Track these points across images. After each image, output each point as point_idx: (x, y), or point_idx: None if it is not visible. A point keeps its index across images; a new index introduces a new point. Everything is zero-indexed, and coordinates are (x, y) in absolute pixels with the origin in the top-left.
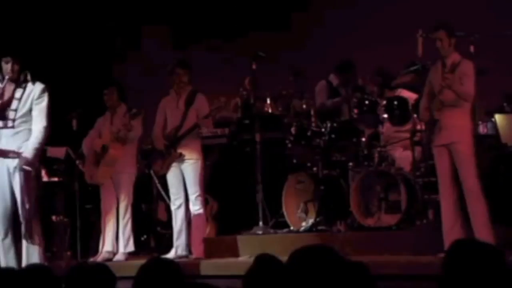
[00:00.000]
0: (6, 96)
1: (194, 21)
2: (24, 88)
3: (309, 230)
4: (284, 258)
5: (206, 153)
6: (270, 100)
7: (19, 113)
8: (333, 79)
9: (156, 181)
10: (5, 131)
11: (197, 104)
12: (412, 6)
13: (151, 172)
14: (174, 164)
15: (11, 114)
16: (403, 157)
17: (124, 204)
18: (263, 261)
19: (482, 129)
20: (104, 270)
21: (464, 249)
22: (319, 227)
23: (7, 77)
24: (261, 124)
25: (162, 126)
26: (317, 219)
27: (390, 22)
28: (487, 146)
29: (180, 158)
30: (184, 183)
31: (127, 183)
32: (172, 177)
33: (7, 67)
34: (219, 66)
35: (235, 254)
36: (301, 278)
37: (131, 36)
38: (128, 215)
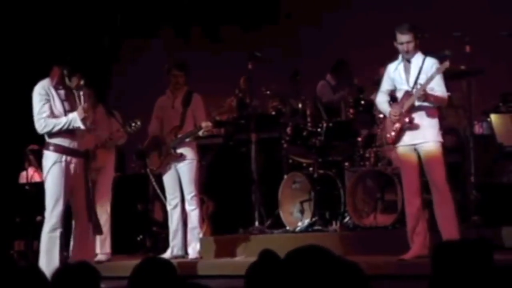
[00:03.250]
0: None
1: (191, 19)
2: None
3: (305, 230)
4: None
5: (202, 153)
6: (275, 100)
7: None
8: (330, 79)
9: (153, 181)
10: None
11: (193, 104)
12: (407, 6)
13: (147, 171)
14: (171, 164)
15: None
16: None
17: (102, 204)
18: (267, 257)
19: (478, 129)
20: (87, 268)
21: (449, 248)
22: (315, 227)
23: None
24: (256, 124)
25: (158, 126)
26: (313, 219)
27: (385, 21)
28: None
29: (180, 158)
30: (180, 183)
31: (108, 183)
32: (168, 177)
33: (77, 81)
34: (215, 65)
35: (231, 254)
36: (296, 278)
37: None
38: (106, 215)
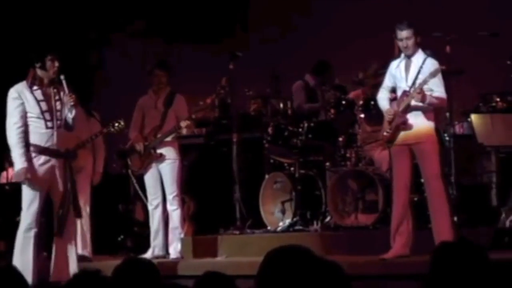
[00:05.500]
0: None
1: (175, 19)
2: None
3: (286, 230)
4: (261, 258)
5: (184, 153)
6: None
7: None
8: (309, 79)
9: (134, 181)
10: (60, 131)
11: (176, 105)
12: (386, 5)
13: (129, 172)
14: (152, 164)
15: (60, 115)
16: (381, 157)
17: (82, 204)
18: (211, 279)
19: (458, 129)
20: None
21: (449, 249)
22: (296, 227)
23: (48, 78)
24: (238, 124)
25: (139, 126)
26: (294, 219)
27: (364, 19)
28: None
29: (160, 159)
30: (162, 183)
31: (87, 183)
32: (149, 177)
33: (52, 65)
34: (198, 65)
35: (212, 254)
36: (277, 278)
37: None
38: (85, 215)
